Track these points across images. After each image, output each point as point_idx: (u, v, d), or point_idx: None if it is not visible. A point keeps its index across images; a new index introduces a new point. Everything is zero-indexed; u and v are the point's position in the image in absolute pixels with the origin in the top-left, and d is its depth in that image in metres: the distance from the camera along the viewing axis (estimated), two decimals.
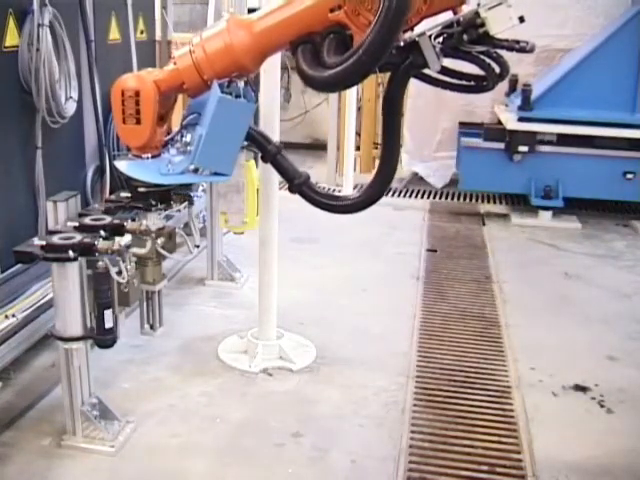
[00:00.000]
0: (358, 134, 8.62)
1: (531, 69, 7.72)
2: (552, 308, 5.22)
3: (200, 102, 3.27)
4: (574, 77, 6.97)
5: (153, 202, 3.39)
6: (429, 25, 2.91)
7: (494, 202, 8.10)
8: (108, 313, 3.28)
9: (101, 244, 3.18)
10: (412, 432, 3.66)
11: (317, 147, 9.70)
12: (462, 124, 7.92)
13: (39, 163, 4.46)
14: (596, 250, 6.60)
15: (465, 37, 2.89)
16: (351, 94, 7.99)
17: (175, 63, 3.17)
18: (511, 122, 7.10)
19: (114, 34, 5.54)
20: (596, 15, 7.50)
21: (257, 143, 3.37)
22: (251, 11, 8.83)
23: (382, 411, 3.85)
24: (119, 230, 3.36)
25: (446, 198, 8.25)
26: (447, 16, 2.95)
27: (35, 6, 4.27)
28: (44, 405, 3.78)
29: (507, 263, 6.15)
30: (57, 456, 3.37)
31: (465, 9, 2.94)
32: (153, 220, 3.43)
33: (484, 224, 7.30)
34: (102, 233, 3.28)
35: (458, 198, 8.26)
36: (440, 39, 2.94)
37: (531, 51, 2.98)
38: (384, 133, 3.31)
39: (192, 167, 3.14)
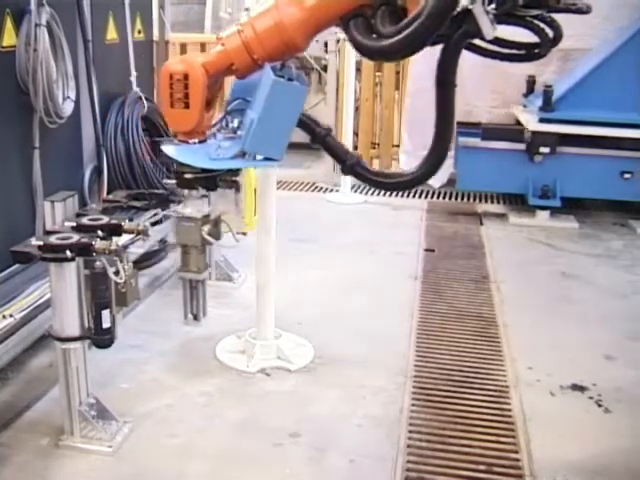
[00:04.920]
0: (356, 134, 8.62)
1: (532, 69, 7.71)
2: (550, 308, 5.22)
3: (243, 88, 3.24)
4: (596, 78, 6.92)
5: (199, 188, 3.33)
6: None
7: (492, 202, 8.09)
8: (105, 313, 3.28)
9: (98, 244, 3.18)
10: (410, 432, 3.66)
11: (315, 147, 9.68)
12: (460, 124, 7.92)
13: (36, 163, 4.45)
14: (594, 250, 6.60)
15: (520, 0, 2.83)
16: (349, 94, 7.99)
17: (223, 44, 3.12)
18: (532, 123, 7.10)
19: (112, 34, 5.53)
20: (601, 17, 7.47)
21: (306, 126, 3.32)
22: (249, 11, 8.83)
23: (380, 411, 3.85)
24: (117, 230, 3.35)
25: (444, 198, 8.25)
26: None
27: (32, 6, 4.26)
28: (42, 405, 3.78)
29: (505, 263, 6.15)
30: (55, 456, 3.37)
31: None
32: (198, 207, 3.38)
33: (482, 224, 7.30)
34: (100, 233, 3.28)
35: (456, 198, 8.26)
36: (492, 6, 2.84)
37: (588, 12, 2.93)
38: (437, 108, 3.26)
39: (242, 152, 3.10)
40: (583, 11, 2.93)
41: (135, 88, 5.72)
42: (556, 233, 7.00)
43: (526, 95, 7.75)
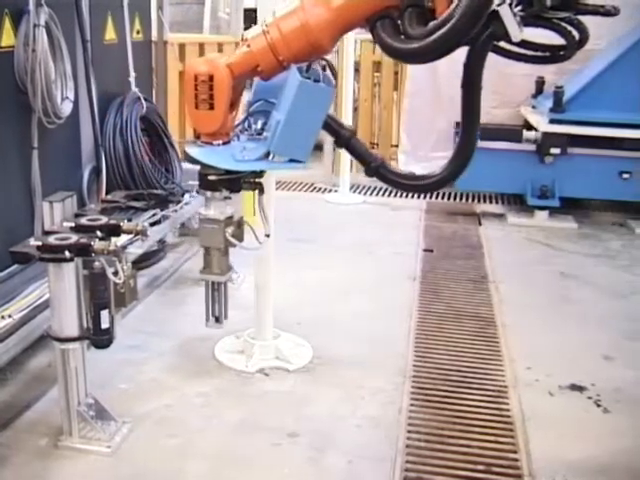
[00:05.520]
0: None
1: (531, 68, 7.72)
2: (548, 308, 5.23)
3: (266, 89, 3.23)
4: (607, 79, 6.93)
5: (222, 190, 3.31)
6: None
7: (490, 202, 8.10)
8: (104, 313, 3.28)
9: (97, 244, 3.17)
10: (409, 432, 3.66)
11: (314, 147, 9.69)
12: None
13: (35, 163, 4.45)
14: (592, 250, 6.60)
15: (548, 2, 2.81)
16: (347, 94, 7.99)
17: (249, 45, 3.11)
18: (542, 124, 7.12)
19: (110, 34, 5.53)
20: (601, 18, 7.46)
21: (330, 128, 3.31)
22: (247, 11, 8.82)
23: (379, 411, 3.85)
24: (115, 231, 3.35)
25: (442, 198, 8.25)
26: None
27: (31, 6, 4.26)
28: (40, 406, 3.77)
29: (503, 263, 6.16)
30: (54, 457, 3.36)
31: None
32: (221, 208, 3.37)
33: (480, 224, 7.30)
34: (98, 234, 3.28)
35: (454, 198, 8.27)
36: (519, 8, 2.81)
37: (616, 14, 2.92)
38: (463, 110, 3.22)
39: (268, 153, 3.09)
40: (611, 13, 2.92)
41: (134, 88, 5.72)
42: (555, 233, 7.01)
43: (535, 96, 7.76)
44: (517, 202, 7.79)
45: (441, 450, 3.53)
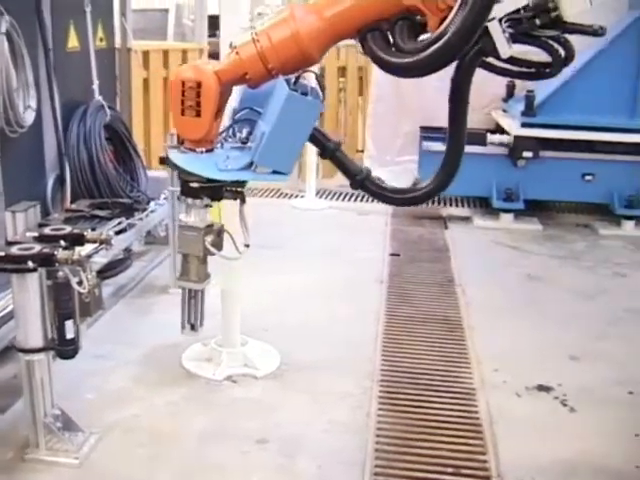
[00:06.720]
0: None
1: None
2: (515, 310, 5.27)
3: (253, 97, 3.20)
4: (577, 82, 6.99)
5: (204, 197, 3.29)
6: (498, 10, 2.80)
7: (456, 205, 8.15)
8: (69, 324, 3.25)
9: (61, 254, 3.15)
10: (377, 436, 3.67)
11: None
12: (423, 128, 7.97)
13: None
14: (558, 251, 6.67)
15: (537, 21, 2.84)
16: None
17: (237, 53, 3.10)
18: (514, 128, 7.18)
19: (73, 42, 5.49)
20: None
21: (316, 140, 3.28)
22: (212, 18, 8.80)
23: (347, 416, 3.86)
24: (79, 240, 3.32)
25: None
26: (514, 1, 2.85)
27: None
28: (6, 418, 3.72)
29: (470, 266, 6.20)
30: (20, 470, 3.32)
31: None
32: (201, 216, 3.34)
33: (447, 227, 7.34)
34: (62, 243, 3.25)
35: None
36: (507, 25, 2.84)
37: (603, 34, 2.96)
38: (450, 123, 3.26)
39: (251, 164, 3.07)
40: (599, 34, 2.96)
41: (97, 96, 5.69)
42: (520, 235, 7.07)
43: (506, 100, 7.82)
44: (483, 205, 7.84)
45: (410, 453, 3.54)
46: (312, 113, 3.08)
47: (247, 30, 3.11)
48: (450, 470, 3.43)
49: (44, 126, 5.10)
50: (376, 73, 8.27)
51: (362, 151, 8.85)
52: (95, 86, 5.70)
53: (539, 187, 7.33)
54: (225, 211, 3.74)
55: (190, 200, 3.32)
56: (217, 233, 3.40)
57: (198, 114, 3.08)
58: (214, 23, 7.77)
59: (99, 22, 5.92)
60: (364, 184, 3.34)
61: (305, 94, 3.00)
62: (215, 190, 3.29)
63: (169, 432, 3.67)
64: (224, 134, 3.29)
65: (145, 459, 3.45)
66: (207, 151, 3.18)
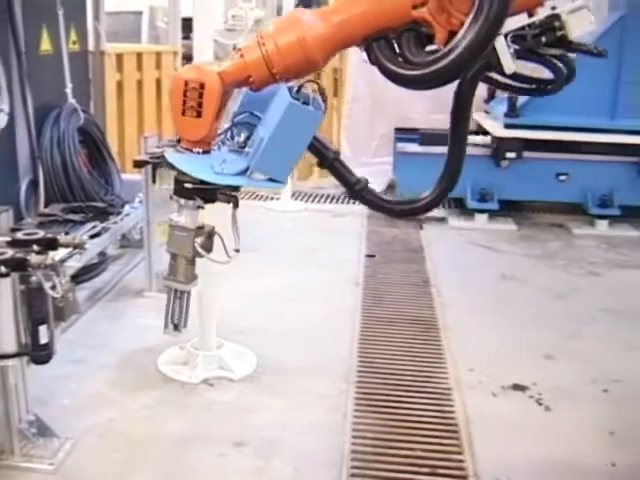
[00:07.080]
0: None
1: None
2: (490, 309, 5.30)
3: (253, 100, 3.19)
4: None
5: (197, 199, 3.27)
6: (504, 27, 2.83)
7: None
8: (43, 329, 3.23)
9: (34, 259, 3.13)
10: (354, 437, 3.68)
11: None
12: (398, 130, 7.99)
13: None
14: (532, 251, 6.71)
15: (543, 39, 2.88)
16: None
17: (242, 55, 3.09)
18: (498, 129, 7.21)
19: (45, 45, 5.47)
20: None
21: (314, 149, 3.27)
22: (185, 20, 8.78)
23: (324, 418, 3.86)
24: (52, 244, 3.30)
25: None
26: (522, 18, 2.89)
27: None
28: None
29: (445, 266, 6.22)
30: None
31: (542, 12, 2.90)
32: (193, 217, 3.33)
33: (421, 228, 7.36)
34: (35, 248, 3.23)
35: None
36: (512, 40, 2.88)
37: (605, 56, 3.01)
38: (451, 135, 3.28)
39: (247, 169, 3.06)
40: (602, 55, 3.01)
41: (71, 100, 5.67)
42: (495, 235, 7.11)
43: (487, 101, 7.85)
44: (457, 205, 7.87)
45: (387, 454, 3.55)
46: (312, 123, 3.06)
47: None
48: (426, 470, 3.43)
49: (17, 130, 5.08)
50: (351, 74, 8.30)
51: None
52: (68, 89, 5.68)
53: (518, 187, 7.38)
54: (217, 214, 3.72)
55: (182, 200, 3.32)
56: (207, 235, 3.39)
57: (199, 115, 3.06)
58: (188, 25, 7.75)
59: (72, 25, 5.90)
60: (362, 195, 3.35)
61: (307, 103, 3.00)
62: (209, 192, 3.27)
63: (145, 436, 3.66)
64: (222, 136, 3.28)
65: (121, 464, 3.43)
66: (204, 152, 3.18)
